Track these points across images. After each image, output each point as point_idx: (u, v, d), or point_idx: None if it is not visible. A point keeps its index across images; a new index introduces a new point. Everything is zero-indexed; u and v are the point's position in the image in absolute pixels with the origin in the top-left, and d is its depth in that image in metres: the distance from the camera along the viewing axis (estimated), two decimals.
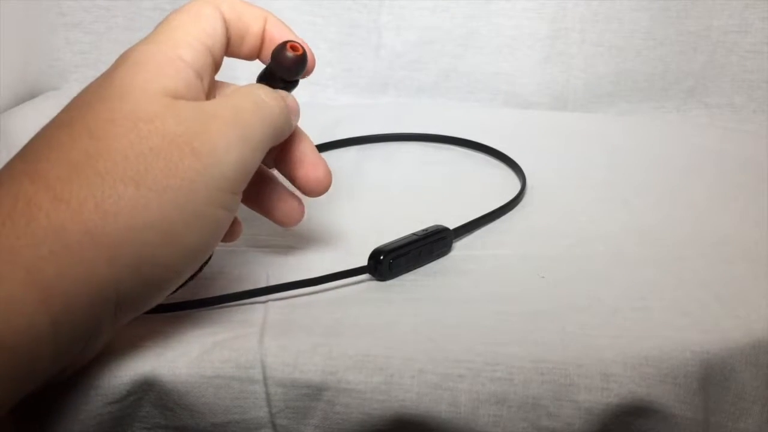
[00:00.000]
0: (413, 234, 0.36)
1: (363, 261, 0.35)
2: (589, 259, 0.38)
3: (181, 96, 0.27)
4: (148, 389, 0.27)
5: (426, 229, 0.37)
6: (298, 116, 0.32)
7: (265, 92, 0.30)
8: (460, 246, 0.39)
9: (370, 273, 0.35)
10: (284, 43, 0.31)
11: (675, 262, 0.37)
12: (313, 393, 0.28)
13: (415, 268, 0.36)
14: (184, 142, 0.25)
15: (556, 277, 0.36)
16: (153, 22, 0.64)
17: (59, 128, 0.26)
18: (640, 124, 0.62)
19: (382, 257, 0.34)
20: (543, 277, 0.36)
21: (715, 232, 0.41)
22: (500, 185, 0.48)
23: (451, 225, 0.38)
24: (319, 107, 0.64)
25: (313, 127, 0.57)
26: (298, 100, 0.70)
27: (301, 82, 0.69)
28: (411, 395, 0.27)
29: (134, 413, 0.28)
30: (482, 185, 0.49)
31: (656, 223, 0.42)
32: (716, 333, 0.30)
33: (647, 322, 0.31)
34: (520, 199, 0.45)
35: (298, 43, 0.31)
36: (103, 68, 0.72)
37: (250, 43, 0.32)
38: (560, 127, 0.61)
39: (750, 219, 0.43)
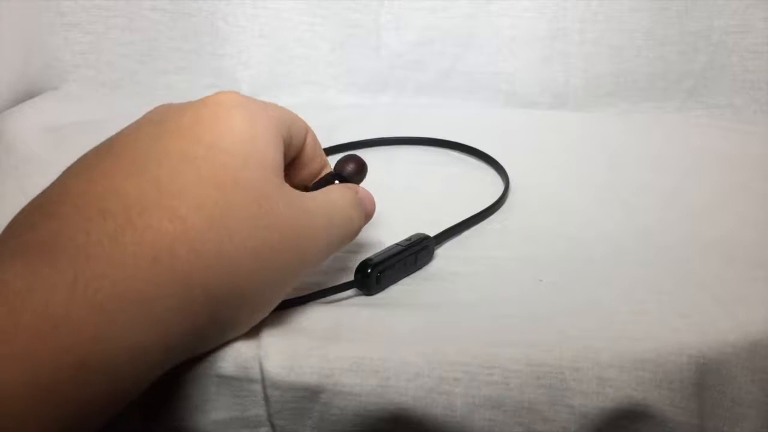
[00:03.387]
0: (397, 244, 0.36)
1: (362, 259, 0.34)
2: (588, 261, 0.38)
3: (280, 172, 0.29)
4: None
5: (409, 238, 0.36)
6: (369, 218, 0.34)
7: (354, 208, 0.32)
8: (456, 249, 0.39)
9: (357, 287, 0.34)
10: (349, 156, 0.34)
11: (674, 264, 0.37)
12: (309, 395, 0.28)
13: (401, 279, 0.35)
14: (291, 227, 0.27)
15: (553, 278, 0.36)
16: (152, 23, 0.65)
17: (179, 161, 0.26)
18: (640, 125, 0.62)
19: (369, 270, 0.33)
20: (541, 280, 0.35)
21: (714, 234, 0.40)
22: (490, 187, 0.47)
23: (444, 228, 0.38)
24: (319, 107, 0.64)
25: (313, 128, 0.57)
26: (298, 99, 0.70)
27: (302, 82, 0.70)
28: (407, 399, 0.27)
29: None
30: (473, 188, 0.48)
31: (655, 224, 0.42)
32: (714, 335, 0.29)
33: (645, 323, 0.31)
34: (503, 203, 0.45)
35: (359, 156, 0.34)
36: (103, 68, 0.72)
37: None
38: (560, 127, 0.61)
39: (750, 220, 0.42)
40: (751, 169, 0.51)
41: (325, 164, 0.34)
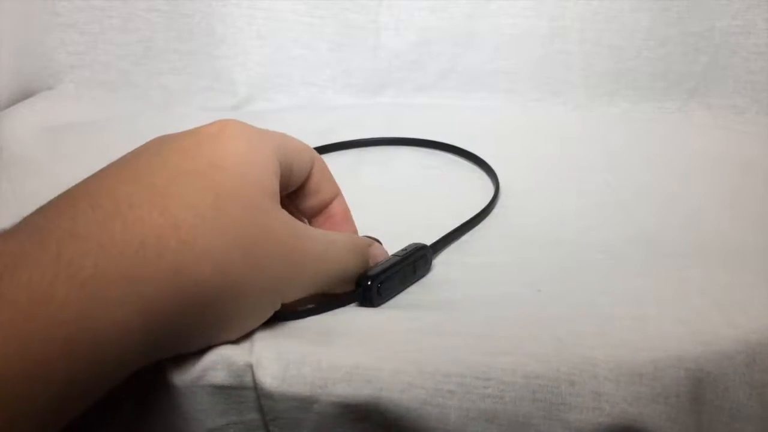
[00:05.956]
0: (395, 255, 0.35)
1: None
2: (586, 266, 0.37)
3: (276, 198, 0.29)
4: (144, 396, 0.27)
5: (406, 248, 0.36)
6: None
7: (353, 254, 0.32)
8: (454, 256, 0.39)
9: (359, 300, 0.33)
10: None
11: (674, 269, 0.36)
12: (302, 405, 0.27)
13: (401, 290, 0.35)
14: (283, 243, 0.28)
15: (552, 285, 0.35)
16: (148, 23, 0.65)
17: (177, 173, 0.26)
18: (640, 125, 0.62)
19: (369, 283, 0.33)
20: (540, 290, 0.35)
21: (715, 238, 0.40)
22: (486, 190, 0.47)
23: (442, 233, 0.38)
24: (316, 108, 0.64)
25: (311, 130, 0.57)
26: (296, 100, 0.69)
27: (300, 83, 0.69)
28: (400, 410, 0.27)
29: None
30: (469, 191, 0.48)
31: (655, 228, 0.42)
32: (713, 346, 0.29)
33: (644, 331, 0.30)
34: (493, 207, 0.44)
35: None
36: (99, 68, 0.72)
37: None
38: (559, 127, 0.61)
39: (751, 224, 0.42)
40: (753, 171, 0.51)
41: (336, 195, 0.34)
